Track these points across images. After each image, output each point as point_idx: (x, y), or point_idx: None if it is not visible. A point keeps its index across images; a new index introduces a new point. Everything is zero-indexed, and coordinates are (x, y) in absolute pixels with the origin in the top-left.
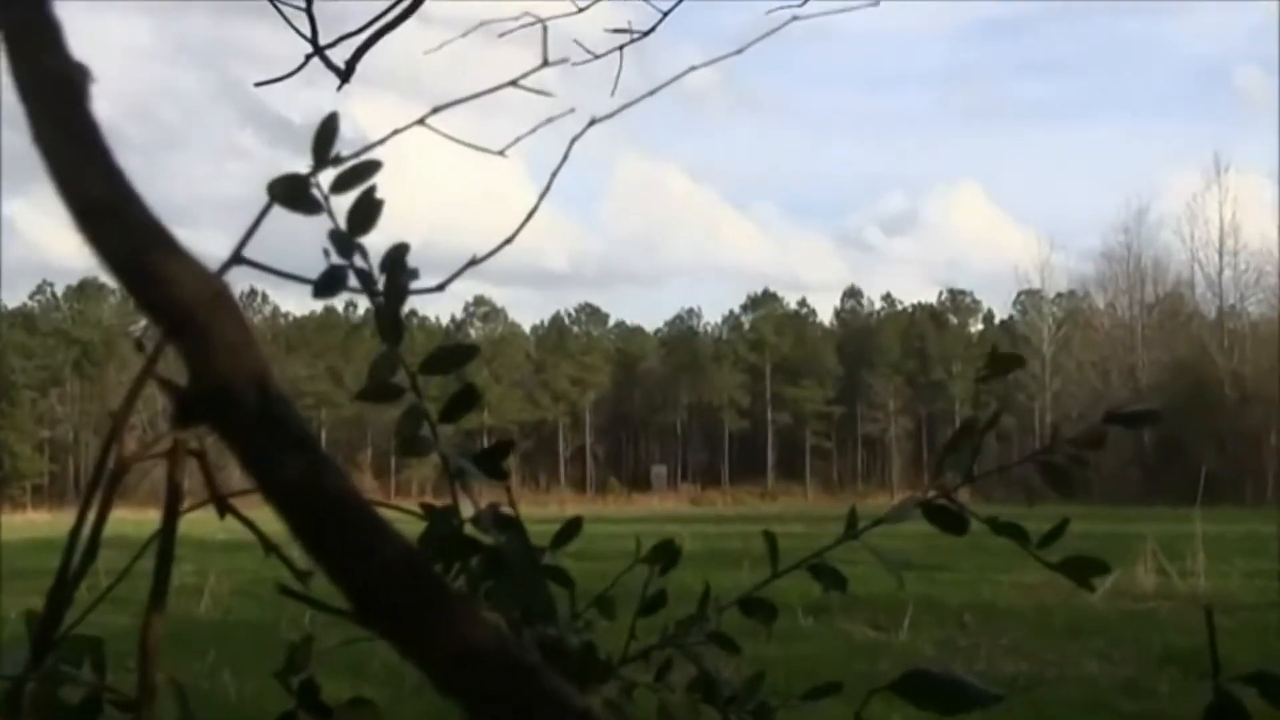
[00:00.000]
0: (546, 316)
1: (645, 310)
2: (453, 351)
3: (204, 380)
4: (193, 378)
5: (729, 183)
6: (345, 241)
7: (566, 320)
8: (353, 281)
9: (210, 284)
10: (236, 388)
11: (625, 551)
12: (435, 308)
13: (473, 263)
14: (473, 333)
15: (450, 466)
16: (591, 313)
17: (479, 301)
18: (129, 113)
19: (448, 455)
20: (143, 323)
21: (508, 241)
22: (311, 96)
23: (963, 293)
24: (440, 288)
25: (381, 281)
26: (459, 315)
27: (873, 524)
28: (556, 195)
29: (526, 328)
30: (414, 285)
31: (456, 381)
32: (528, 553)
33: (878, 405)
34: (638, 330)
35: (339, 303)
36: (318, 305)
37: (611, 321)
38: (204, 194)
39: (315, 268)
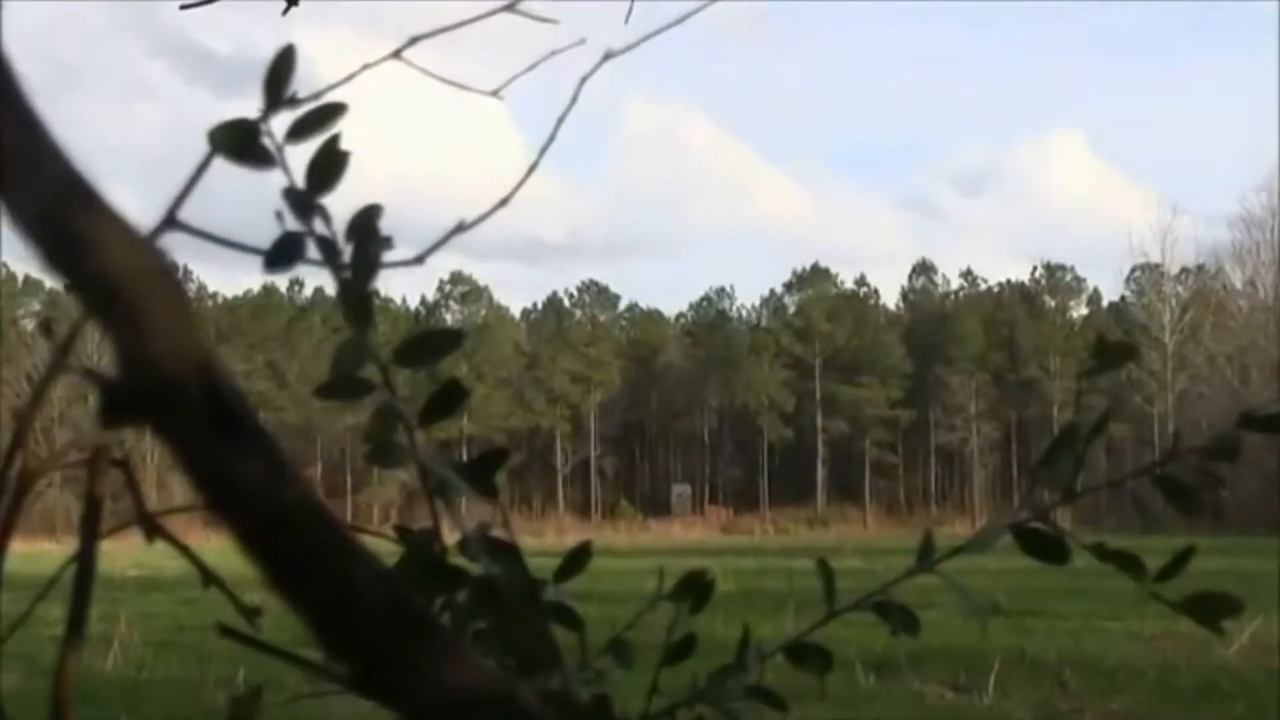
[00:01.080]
0: (541, 298)
1: (663, 290)
2: (434, 338)
3: (138, 369)
4: (124, 366)
5: (765, 132)
6: (304, 202)
7: (566, 302)
8: (312, 252)
9: (147, 254)
10: (178, 377)
11: (638, 592)
12: (403, 287)
13: (460, 229)
14: (449, 318)
15: (431, 480)
16: (597, 293)
17: (456, 279)
18: (19, 50)
19: (430, 465)
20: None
21: (503, 203)
22: (240, 25)
23: (1061, 268)
24: (419, 260)
25: (347, 252)
26: (431, 296)
27: (951, 553)
28: (550, 149)
29: (515, 311)
30: (387, 257)
31: (430, 380)
32: (527, 586)
33: (955, 409)
34: (654, 315)
35: (281, 282)
36: (254, 284)
37: (622, 304)
38: (110, 142)
39: (254, 235)
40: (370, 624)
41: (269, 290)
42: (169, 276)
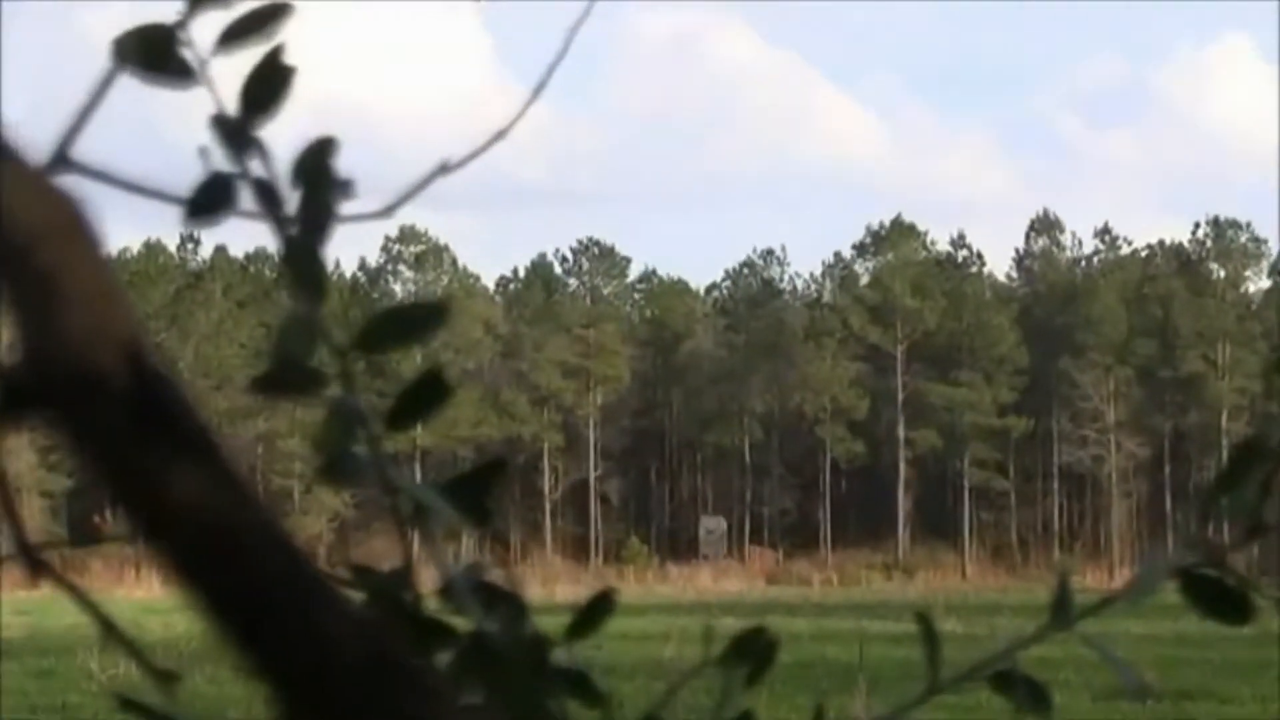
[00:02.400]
0: (522, 261)
1: (690, 252)
2: (411, 315)
3: (47, 351)
4: (27, 348)
5: (828, 44)
6: (237, 132)
7: (557, 268)
8: (245, 202)
9: (59, 207)
10: (98, 361)
11: (649, 663)
12: (333, 247)
13: (443, 171)
14: (399, 289)
15: (403, 503)
16: (599, 256)
17: (407, 236)
18: None
19: (404, 484)
20: None
21: (500, 136)
22: None
23: (1234, 225)
24: (388, 212)
25: (295, 200)
26: (374, 259)
27: (1097, 607)
28: (527, 63)
29: (488, 280)
30: (347, 207)
31: (372, 372)
32: (533, 647)
33: (1087, 416)
34: (677, 286)
35: (169, 239)
36: (132, 240)
37: (634, 271)
38: None
39: (165, 178)
40: (348, 688)
41: (152, 250)
42: (90, 237)
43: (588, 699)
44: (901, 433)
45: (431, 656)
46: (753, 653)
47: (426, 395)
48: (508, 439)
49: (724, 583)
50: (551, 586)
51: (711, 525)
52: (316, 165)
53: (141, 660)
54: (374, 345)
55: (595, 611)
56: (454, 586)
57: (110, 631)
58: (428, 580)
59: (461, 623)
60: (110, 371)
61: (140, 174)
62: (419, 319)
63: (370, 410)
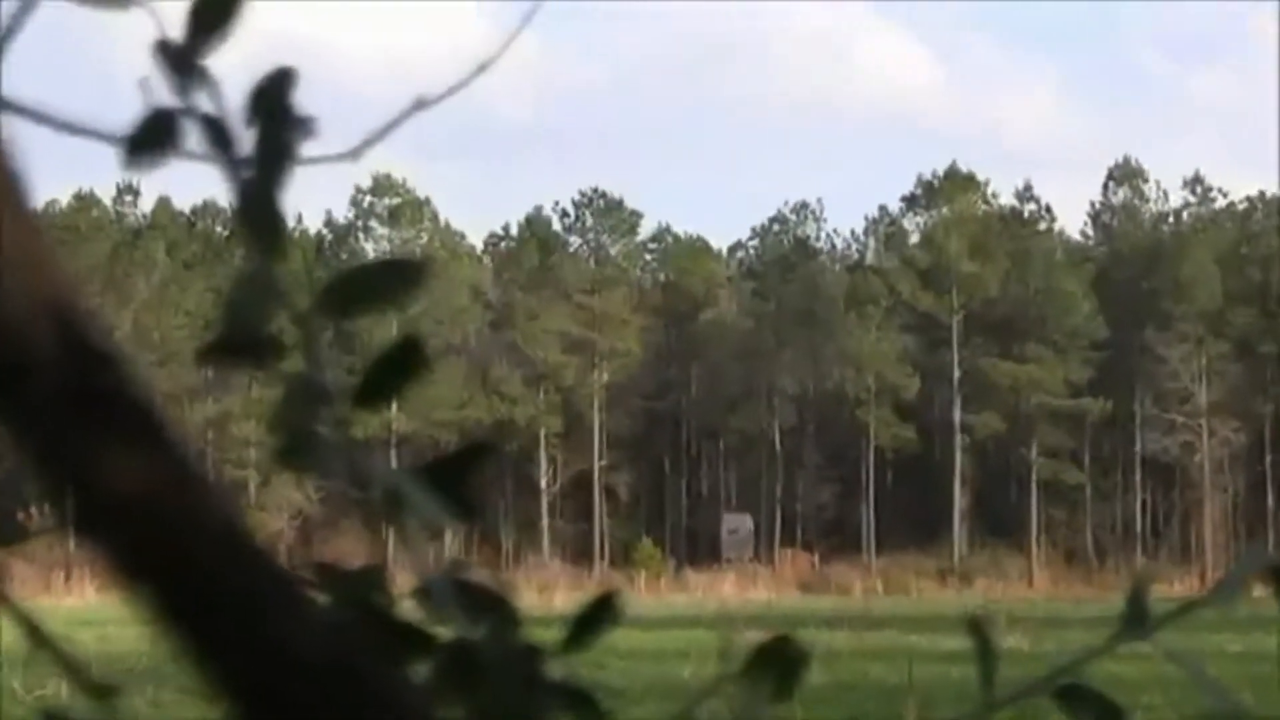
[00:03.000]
0: (514, 217)
1: (711, 206)
2: (386, 273)
3: None
4: None
5: None
6: (182, 60)
7: (555, 224)
8: (191, 143)
9: None
10: (28, 333)
11: (662, 684)
12: (294, 200)
13: (420, 106)
14: (370, 248)
15: (376, 492)
16: (605, 210)
17: (381, 186)
18: None
19: (376, 470)
20: None
21: (484, 68)
22: None
23: None
24: (356, 153)
25: (250, 139)
26: (341, 214)
27: (1179, 611)
28: None
29: (475, 238)
30: (308, 149)
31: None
32: (525, 658)
33: (1175, 397)
34: (697, 246)
35: (104, 190)
36: (60, 191)
37: (646, 227)
38: None
39: (101, 115)
40: (309, 700)
41: (84, 203)
42: (18, 190)
43: (586, 717)
44: (957, 416)
45: (405, 667)
46: (778, 665)
47: (402, 367)
48: (498, 423)
49: (750, 591)
50: (549, 594)
51: (736, 524)
52: (274, 99)
53: (77, 674)
54: (342, 308)
55: (598, 617)
56: (433, 588)
57: (41, 642)
58: (403, 582)
59: (441, 630)
60: (42, 344)
61: (70, 110)
62: (395, 279)
63: (337, 386)
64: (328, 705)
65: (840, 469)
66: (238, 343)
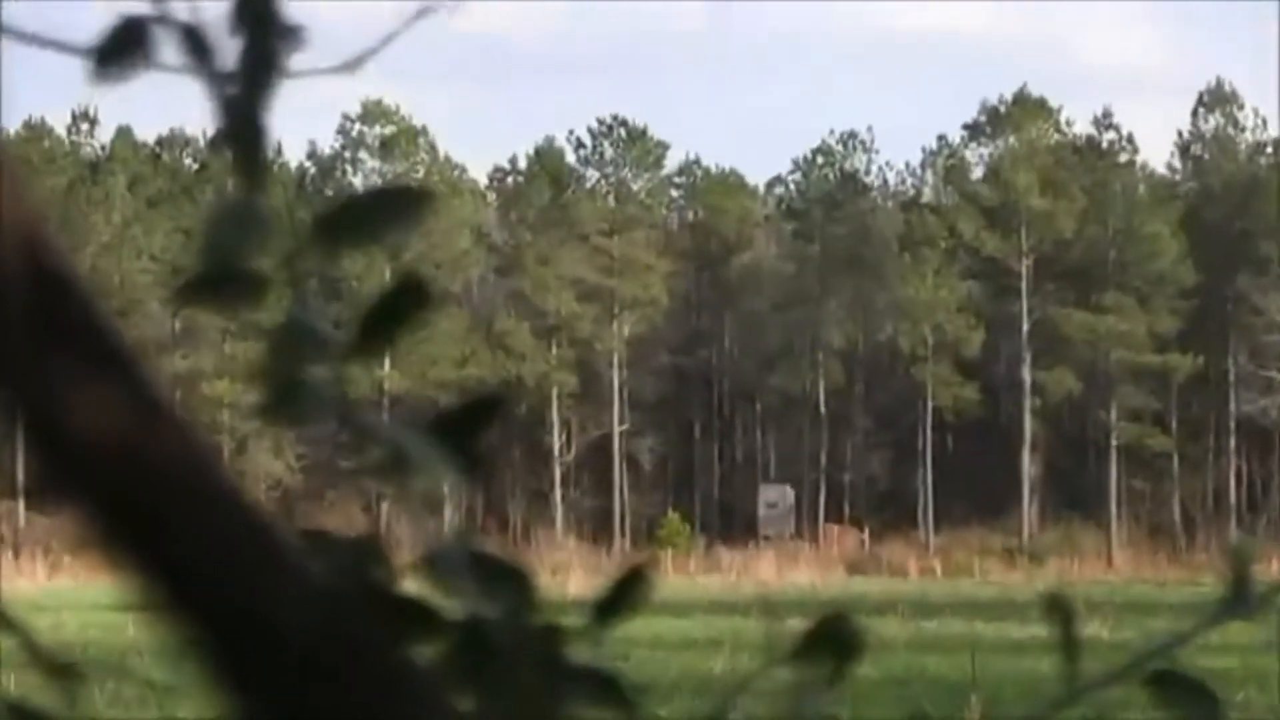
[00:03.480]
0: (524, 148)
1: (747, 135)
2: (384, 202)
3: None
4: None
5: None
6: None
7: (569, 155)
8: (166, 55)
9: None
10: None
11: (692, 677)
12: (277, 129)
13: (424, 13)
14: (359, 181)
15: (374, 450)
16: (626, 140)
17: (372, 114)
18: None
19: (371, 426)
20: None
21: None
22: None
23: None
24: (350, 66)
25: (232, 51)
26: (327, 144)
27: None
28: None
29: (478, 173)
30: (297, 62)
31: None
32: (544, 637)
33: (1271, 351)
34: (730, 181)
35: (57, 118)
36: (7, 121)
37: (673, 160)
38: None
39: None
40: (299, 666)
41: (35, 132)
42: None
43: (611, 705)
44: (1027, 375)
45: (407, 648)
46: (832, 648)
47: (404, 309)
48: (504, 383)
49: (791, 573)
50: (562, 577)
51: (774, 497)
52: (260, 6)
53: (37, 653)
54: (335, 239)
55: (624, 595)
56: (441, 558)
57: (3, 625)
58: (402, 553)
59: (447, 607)
60: (9, 269)
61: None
62: (395, 208)
63: (329, 333)
64: (324, 680)
65: (893, 434)
66: (219, 280)
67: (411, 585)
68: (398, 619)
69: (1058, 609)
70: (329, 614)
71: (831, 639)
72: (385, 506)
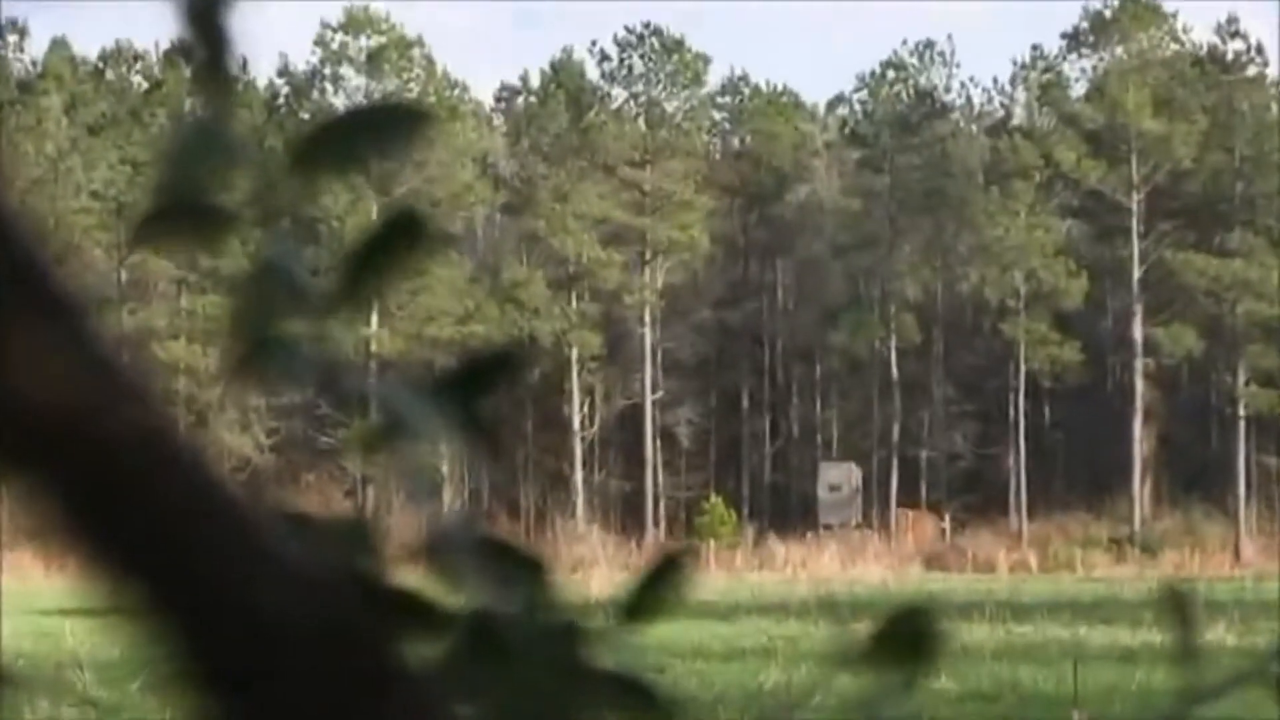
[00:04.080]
0: (538, 63)
1: (803, 49)
2: (375, 121)
3: None
4: None
5: None
6: None
7: (593, 71)
8: None
9: None
10: None
11: (743, 690)
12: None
13: None
14: (340, 101)
15: (362, 418)
16: (660, 52)
17: (357, 23)
18: None
19: (360, 384)
20: None
21: None
22: None
23: None
24: None
25: None
26: (302, 60)
27: None
28: None
29: (484, 93)
30: None
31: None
32: (562, 634)
33: None
34: (783, 102)
35: None
36: None
37: (715, 76)
38: None
39: None
40: (286, 665)
41: None
42: None
43: (641, 711)
44: (1138, 331)
45: (402, 647)
46: (905, 652)
47: (393, 250)
48: (515, 342)
49: (858, 567)
50: (584, 574)
51: (837, 478)
52: None
53: None
54: (312, 168)
55: (659, 590)
56: (441, 546)
57: None
58: (394, 543)
59: (448, 601)
60: None
61: None
62: (381, 130)
63: (307, 278)
64: (315, 682)
65: (979, 402)
66: (178, 218)
67: (406, 578)
68: (391, 613)
69: (1174, 610)
70: (326, 610)
71: (905, 640)
72: (371, 492)
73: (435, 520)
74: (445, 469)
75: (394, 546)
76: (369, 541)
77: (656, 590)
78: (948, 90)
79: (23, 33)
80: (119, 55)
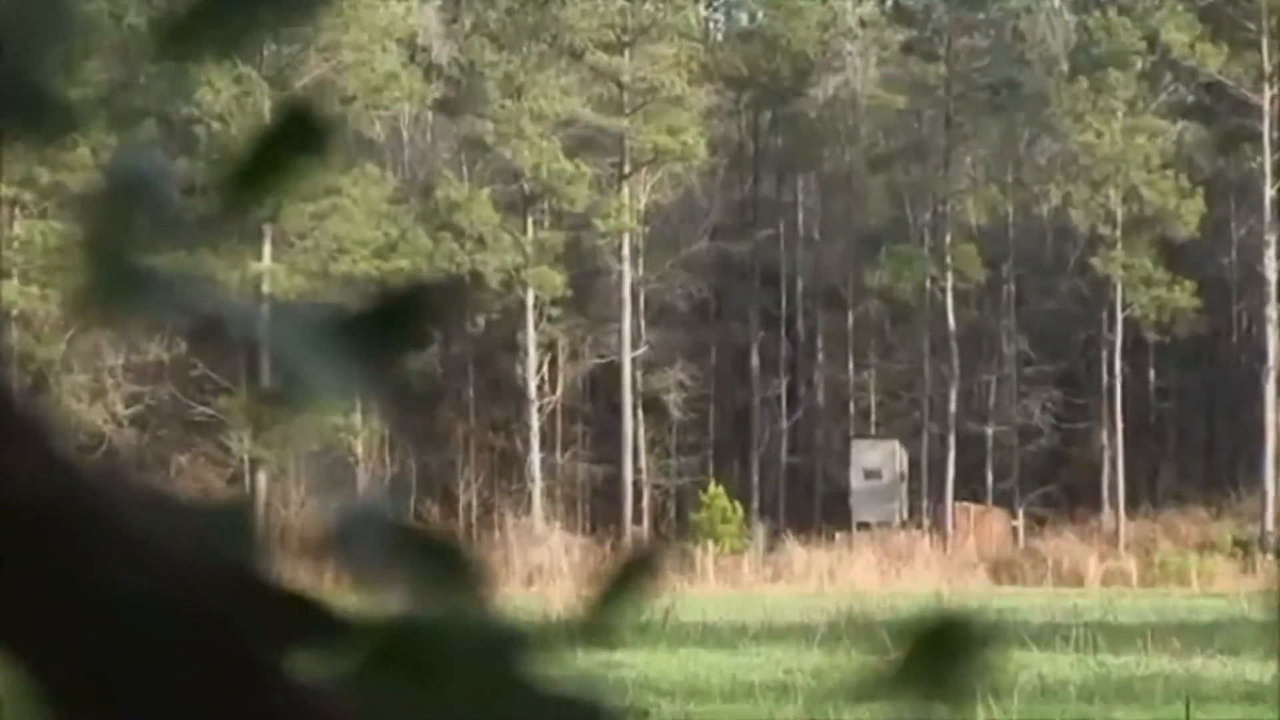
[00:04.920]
0: None
1: None
2: None
3: None
4: None
5: None
6: None
7: None
8: None
9: None
10: None
11: None
12: None
13: None
14: None
15: (258, 373)
16: None
17: None
18: None
19: (244, 323)
20: None
21: None
22: None
23: None
24: None
25: None
26: None
27: None
28: None
29: None
30: None
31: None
32: (501, 642)
33: None
34: None
35: None
36: None
37: None
38: None
39: None
40: (146, 661)
41: None
42: None
43: None
44: (1272, 267)
45: (290, 647)
46: (950, 657)
47: (290, 158)
48: (453, 280)
49: (903, 579)
50: (544, 585)
51: (876, 461)
52: None
53: None
54: (183, 51)
55: (627, 582)
56: (353, 539)
57: None
58: (293, 533)
59: (354, 604)
60: None
61: None
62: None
63: (177, 194)
64: (171, 664)
65: (1062, 361)
66: (9, 108)
67: (306, 579)
68: (274, 610)
69: None
70: (175, 582)
71: (942, 662)
72: (262, 478)
73: (343, 511)
74: (360, 448)
75: (292, 542)
76: (248, 530)
77: (623, 602)
78: None
79: None
80: None
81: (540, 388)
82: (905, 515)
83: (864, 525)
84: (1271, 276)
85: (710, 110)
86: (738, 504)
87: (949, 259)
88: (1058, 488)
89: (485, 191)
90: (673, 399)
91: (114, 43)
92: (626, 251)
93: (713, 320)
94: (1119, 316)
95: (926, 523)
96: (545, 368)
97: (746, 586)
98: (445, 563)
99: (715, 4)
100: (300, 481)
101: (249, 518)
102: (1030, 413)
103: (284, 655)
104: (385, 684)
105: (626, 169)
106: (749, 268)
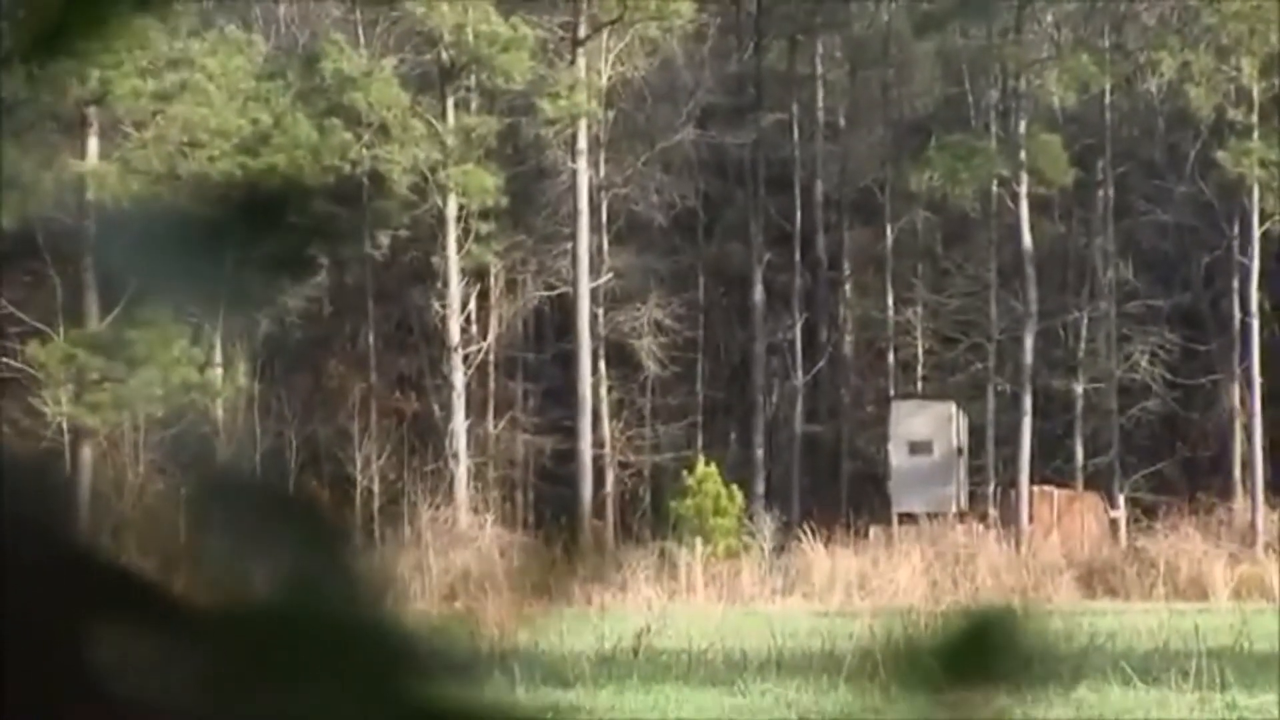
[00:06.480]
0: None
1: None
2: None
3: None
4: None
5: None
6: None
7: None
8: None
9: None
10: None
11: None
12: None
13: None
14: None
15: (83, 309)
16: None
17: None
18: None
19: (68, 251)
20: None
21: None
22: None
23: None
24: None
25: None
26: None
27: None
28: None
29: None
30: None
31: None
32: (374, 646)
33: None
34: None
35: None
36: None
37: None
38: None
39: None
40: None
41: None
42: None
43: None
44: None
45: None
46: (988, 664)
47: (113, 9)
48: (341, 184)
49: (959, 587)
50: (469, 601)
51: (925, 429)
52: None
53: None
54: None
55: (575, 600)
56: (205, 511)
57: None
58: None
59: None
60: None
61: None
62: None
63: None
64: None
65: (1179, 293)
66: None
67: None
68: (83, 584)
69: None
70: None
71: (985, 659)
72: (87, 451)
73: (194, 480)
74: (220, 414)
75: (130, 522)
76: (59, 490)
77: (576, 621)
78: None
79: None
80: None
81: (465, 331)
82: (964, 503)
83: (908, 517)
84: None
85: None
86: (735, 489)
87: (1023, 154)
88: (1173, 466)
89: (389, 63)
90: (646, 346)
91: None
92: (583, 144)
93: (701, 239)
94: (1255, 233)
95: (994, 513)
96: (472, 304)
97: (748, 601)
98: (311, 540)
99: None
100: (138, 459)
101: (60, 472)
102: (1135, 364)
103: (108, 654)
104: (232, 683)
105: (582, 32)
106: (750, 167)
